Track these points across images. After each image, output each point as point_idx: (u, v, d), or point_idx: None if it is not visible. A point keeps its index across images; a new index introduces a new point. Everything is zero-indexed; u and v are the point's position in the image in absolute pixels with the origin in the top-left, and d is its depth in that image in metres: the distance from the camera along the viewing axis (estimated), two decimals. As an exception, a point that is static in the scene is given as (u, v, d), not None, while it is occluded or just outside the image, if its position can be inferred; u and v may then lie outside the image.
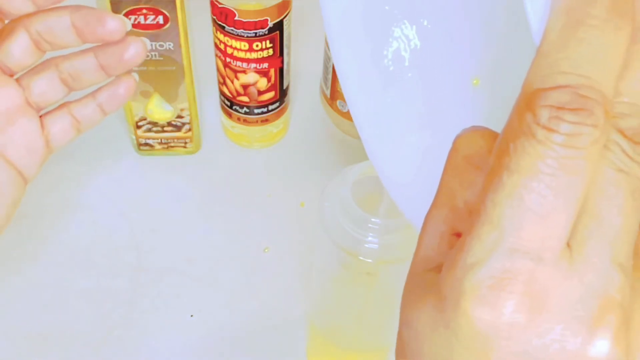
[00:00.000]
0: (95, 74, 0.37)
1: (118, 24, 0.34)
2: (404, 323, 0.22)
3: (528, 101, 0.18)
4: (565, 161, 0.17)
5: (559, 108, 0.17)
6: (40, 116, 0.38)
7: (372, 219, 0.36)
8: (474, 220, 0.19)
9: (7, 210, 0.36)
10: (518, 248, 0.18)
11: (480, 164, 0.21)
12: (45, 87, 0.37)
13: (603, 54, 0.18)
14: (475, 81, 0.30)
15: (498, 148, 0.19)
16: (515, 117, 0.18)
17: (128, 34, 0.35)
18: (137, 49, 0.36)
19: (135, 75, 0.38)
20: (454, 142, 0.22)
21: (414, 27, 0.30)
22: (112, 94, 0.38)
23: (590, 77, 0.18)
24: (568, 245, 0.19)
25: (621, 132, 0.18)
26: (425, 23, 0.30)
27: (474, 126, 0.22)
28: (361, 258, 0.37)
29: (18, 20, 0.35)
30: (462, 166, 0.22)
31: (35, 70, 0.37)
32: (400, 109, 0.30)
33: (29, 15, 0.35)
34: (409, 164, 0.29)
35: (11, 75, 0.37)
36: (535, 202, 0.18)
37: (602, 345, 0.18)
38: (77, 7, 0.35)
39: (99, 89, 0.39)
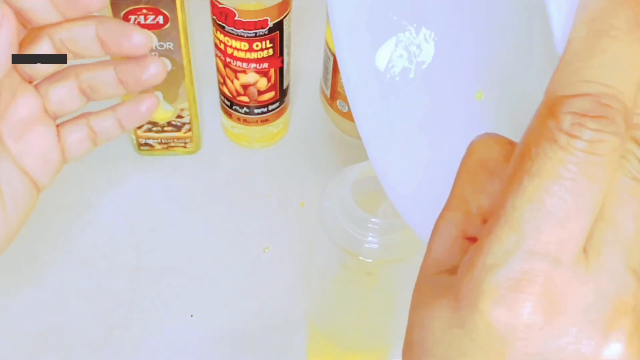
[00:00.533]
0: (114, 87, 0.36)
1: (144, 38, 0.33)
2: (415, 324, 0.22)
3: (551, 108, 0.18)
4: (586, 167, 0.18)
5: (582, 115, 0.18)
6: (57, 125, 0.37)
7: (372, 219, 0.36)
8: (493, 222, 0.19)
9: (19, 220, 0.36)
10: (537, 250, 0.18)
11: (494, 169, 0.21)
12: (64, 96, 0.36)
13: (625, 65, 0.18)
14: (478, 95, 0.30)
15: (519, 153, 0.19)
16: (537, 123, 0.19)
17: None
18: (157, 68, 0.35)
19: (159, 94, 0.38)
20: (469, 148, 0.22)
21: (421, 37, 0.30)
22: (133, 111, 0.37)
23: (612, 87, 0.18)
24: (584, 249, 0.19)
25: (637, 142, 0.19)
26: (432, 35, 0.30)
27: (488, 132, 0.22)
28: (361, 258, 0.37)
29: (42, 28, 0.34)
30: (477, 171, 0.22)
31: (54, 78, 0.36)
32: (405, 120, 0.30)
33: (53, 24, 0.34)
34: (413, 173, 0.29)
35: (30, 82, 0.35)
36: (556, 205, 0.18)
37: (615, 348, 0.19)
38: (103, 19, 0.34)
39: (120, 103, 0.38)
